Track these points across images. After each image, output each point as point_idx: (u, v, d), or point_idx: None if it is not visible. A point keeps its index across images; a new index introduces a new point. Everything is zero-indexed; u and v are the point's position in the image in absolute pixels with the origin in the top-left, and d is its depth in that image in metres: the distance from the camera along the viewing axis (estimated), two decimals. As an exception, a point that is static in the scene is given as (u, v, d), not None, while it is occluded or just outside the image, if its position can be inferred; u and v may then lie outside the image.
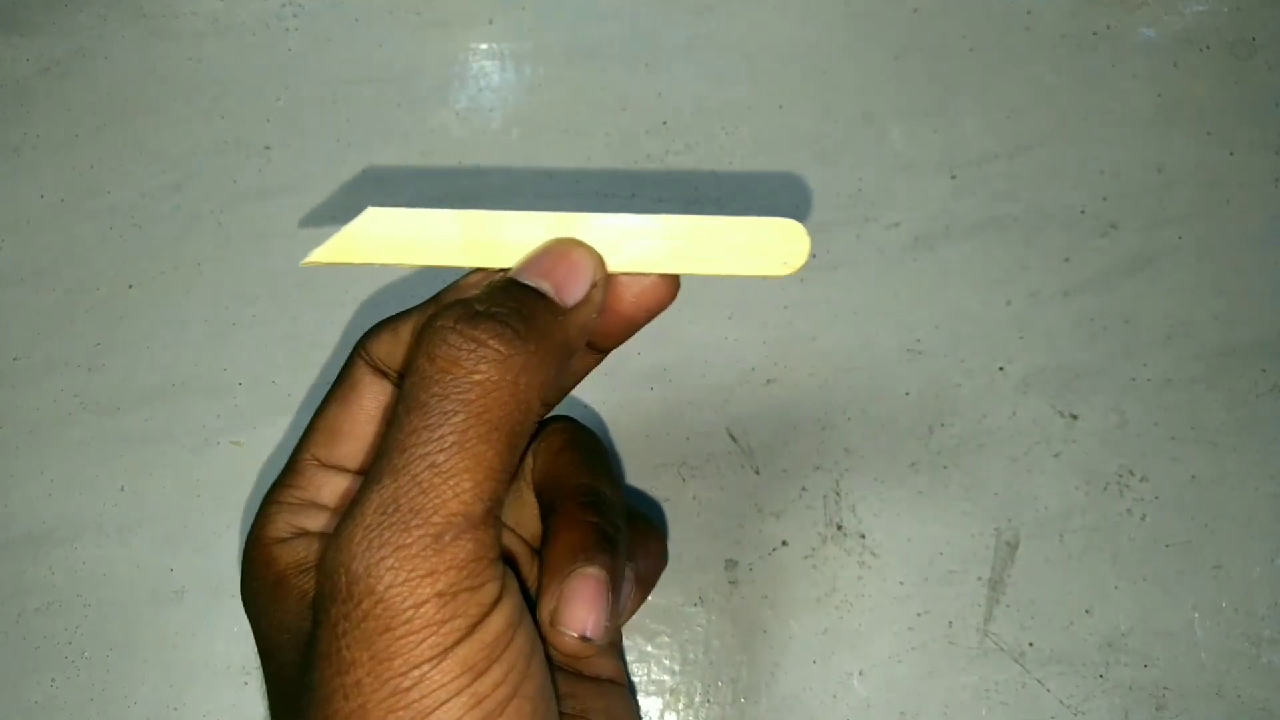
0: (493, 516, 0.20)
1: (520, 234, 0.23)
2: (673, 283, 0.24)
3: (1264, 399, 0.39)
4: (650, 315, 0.24)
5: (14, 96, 0.44)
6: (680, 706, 0.37)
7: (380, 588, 0.18)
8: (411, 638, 0.18)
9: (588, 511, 0.25)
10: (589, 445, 0.28)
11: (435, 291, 0.26)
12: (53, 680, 0.39)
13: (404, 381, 0.20)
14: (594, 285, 0.22)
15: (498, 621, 0.20)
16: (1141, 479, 0.38)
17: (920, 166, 0.41)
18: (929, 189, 0.41)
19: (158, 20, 0.45)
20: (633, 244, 0.23)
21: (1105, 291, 0.40)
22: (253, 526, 0.24)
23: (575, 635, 0.22)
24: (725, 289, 0.40)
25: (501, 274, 0.22)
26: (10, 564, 0.40)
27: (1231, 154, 0.41)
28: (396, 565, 0.18)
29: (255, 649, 0.38)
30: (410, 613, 0.18)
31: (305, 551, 0.22)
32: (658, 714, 0.37)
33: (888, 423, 0.39)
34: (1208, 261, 0.40)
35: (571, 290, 0.22)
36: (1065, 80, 0.42)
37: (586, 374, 0.27)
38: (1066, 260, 0.40)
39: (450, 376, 0.19)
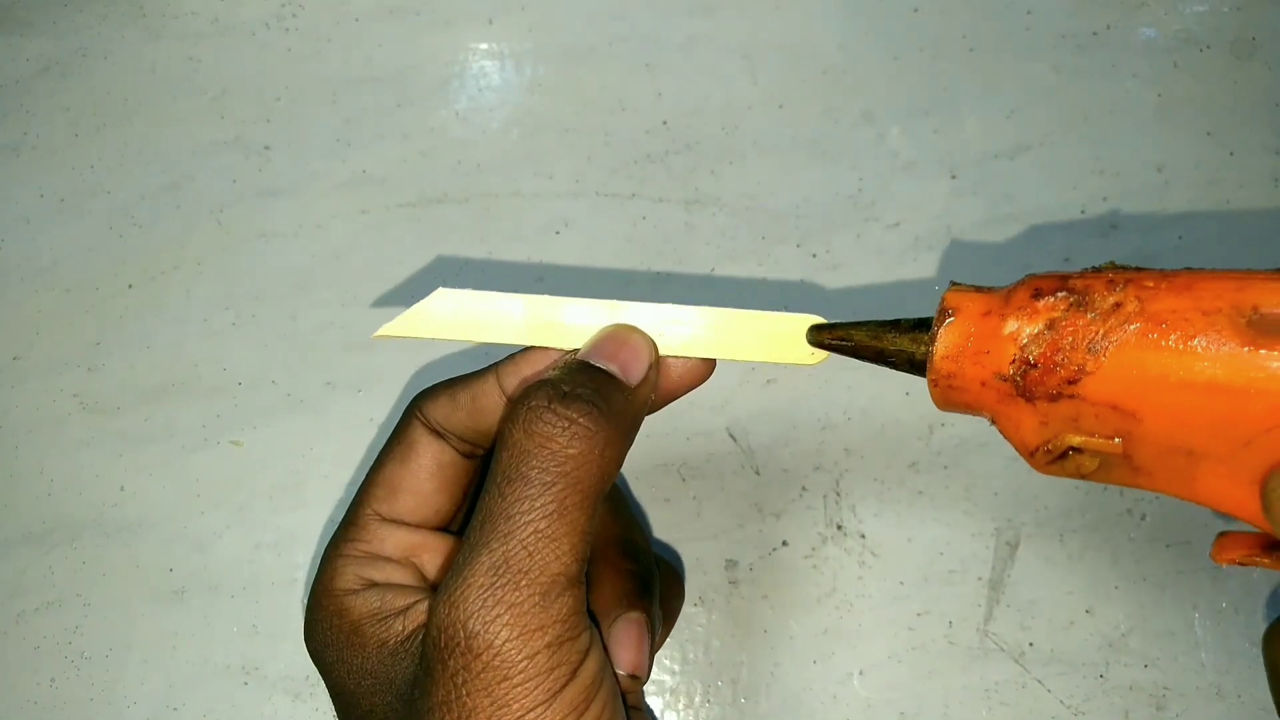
0: (584, 574, 0.23)
1: (580, 318, 0.25)
2: (709, 364, 0.26)
3: (1264, 399, 0.39)
4: (686, 391, 0.27)
5: (14, 96, 0.44)
6: (680, 706, 0.37)
7: (498, 642, 0.21)
8: (527, 685, 0.21)
9: (626, 560, 0.28)
10: (617, 497, 0.32)
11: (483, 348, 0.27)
12: (53, 680, 0.39)
13: (499, 454, 0.23)
14: (650, 367, 0.25)
15: (592, 666, 0.23)
16: (1141, 479, 0.38)
17: (920, 166, 0.41)
18: (929, 189, 0.41)
19: (158, 20, 0.45)
20: (676, 330, 0.26)
21: (1105, 291, 0.40)
22: (319, 578, 0.26)
23: (626, 674, 0.25)
24: (725, 289, 0.40)
25: (570, 355, 0.25)
26: (10, 564, 0.40)
27: (1231, 154, 0.41)
28: (511, 621, 0.21)
29: (256, 649, 0.39)
30: (525, 663, 0.21)
31: (379, 601, 0.25)
32: (658, 714, 0.37)
33: (888, 423, 0.39)
34: (1208, 261, 0.40)
35: (635, 371, 0.25)
36: (1065, 80, 0.42)
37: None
38: (1066, 260, 0.40)
39: (547, 451, 0.22)
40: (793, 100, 0.42)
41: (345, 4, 0.44)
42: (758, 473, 0.39)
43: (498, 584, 0.21)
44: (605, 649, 0.25)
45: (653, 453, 0.39)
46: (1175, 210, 0.41)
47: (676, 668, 0.37)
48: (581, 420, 0.22)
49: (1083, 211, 0.41)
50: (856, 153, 0.42)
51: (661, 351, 0.26)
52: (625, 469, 0.39)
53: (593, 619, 0.25)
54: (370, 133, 0.43)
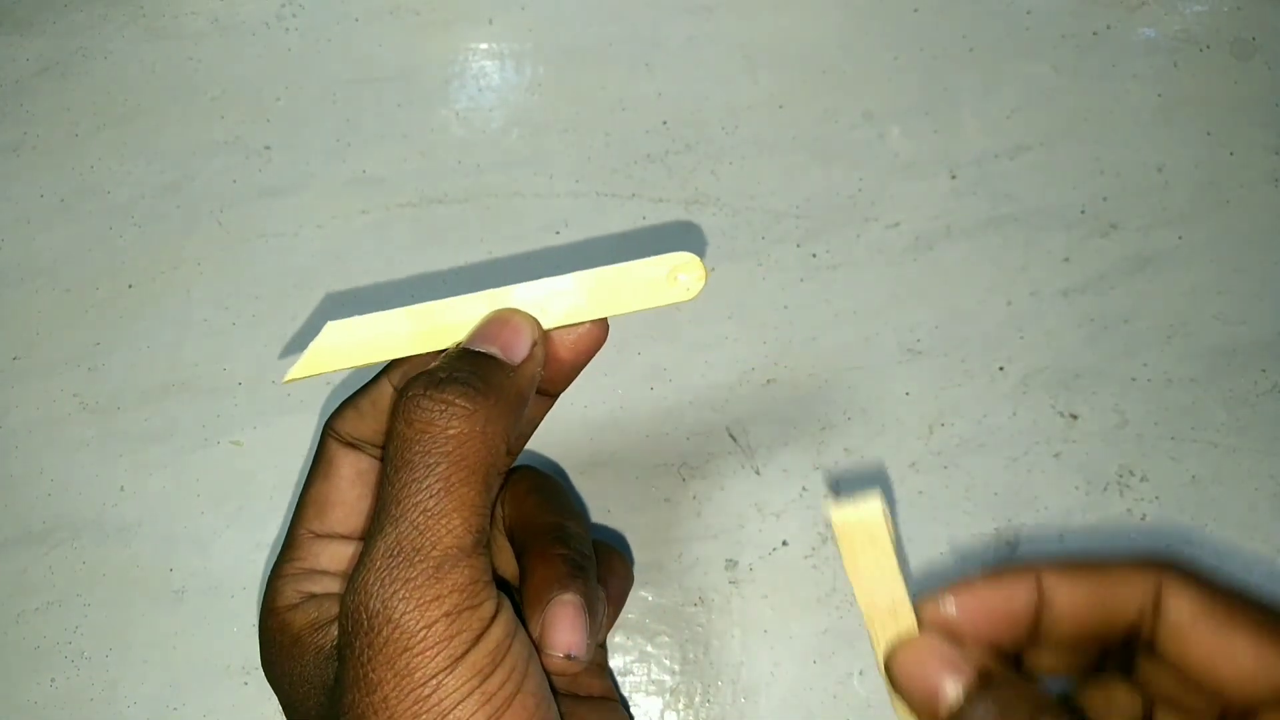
0: (481, 546, 0.24)
1: (462, 314, 0.26)
2: (601, 327, 0.27)
3: (1264, 399, 0.39)
4: (588, 358, 0.27)
5: (14, 96, 0.44)
6: (680, 706, 0.37)
7: (396, 615, 0.22)
8: (427, 653, 0.22)
9: (557, 545, 0.29)
10: (550, 487, 0.32)
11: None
12: (53, 680, 0.39)
13: (387, 447, 0.24)
14: (534, 343, 0.26)
15: (497, 632, 0.23)
16: (1141, 479, 0.38)
17: (920, 166, 0.41)
18: (929, 189, 0.41)
19: (158, 20, 0.45)
20: (558, 302, 0.26)
21: (1105, 291, 0.40)
22: (264, 602, 0.27)
23: (561, 655, 0.25)
24: (725, 289, 0.40)
25: (453, 347, 0.26)
26: (10, 564, 0.40)
27: (1231, 154, 0.41)
28: (407, 595, 0.22)
29: (256, 649, 0.38)
30: (423, 632, 0.22)
31: (316, 612, 0.26)
32: (658, 714, 0.37)
33: (888, 423, 0.39)
34: (1208, 261, 0.40)
35: (516, 349, 0.25)
36: (1065, 80, 0.42)
37: (543, 418, 0.30)
38: (1066, 260, 0.40)
39: (428, 435, 0.23)
40: (793, 100, 0.42)
41: (345, 4, 0.44)
42: (758, 473, 0.39)
43: (392, 564, 0.22)
44: (523, 621, 0.26)
45: (653, 453, 0.39)
46: (1175, 210, 0.41)
47: (676, 668, 0.37)
48: (458, 401, 0.23)
49: (1083, 211, 0.41)
50: (856, 153, 0.42)
51: (547, 325, 0.26)
52: (624, 467, 0.39)
53: (522, 608, 0.26)
54: (370, 133, 0.43)
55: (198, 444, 0.40)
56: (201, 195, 0.43)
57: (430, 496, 0.23)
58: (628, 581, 0.35)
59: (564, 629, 0.26)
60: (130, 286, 0.42)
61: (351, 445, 0.28)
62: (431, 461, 0.23)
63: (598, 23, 0.43)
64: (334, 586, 0.27)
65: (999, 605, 0.24)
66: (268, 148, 0.43)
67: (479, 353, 0.25)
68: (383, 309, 0.26)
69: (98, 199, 0.43)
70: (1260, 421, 0.38)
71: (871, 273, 0.40)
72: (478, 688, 0.22)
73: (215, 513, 0.40)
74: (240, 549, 0.39)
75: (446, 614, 0.22)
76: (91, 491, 0.40)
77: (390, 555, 0.22)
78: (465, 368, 0.24)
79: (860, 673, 0.37)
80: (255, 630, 0.38)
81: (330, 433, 0.28)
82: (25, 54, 0.44)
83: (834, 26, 0.43)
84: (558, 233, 0.41)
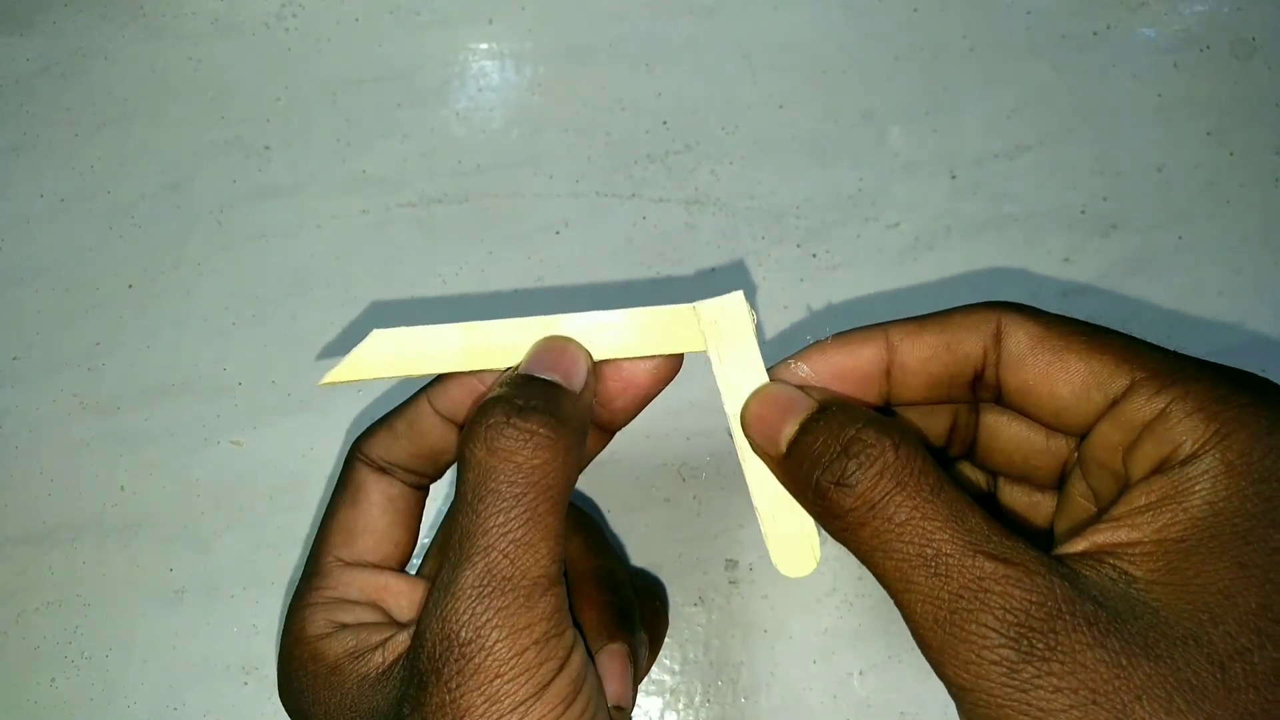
0: (562, 573, 0.24)
1: (513, 337, 0.26)
2: (675, 360, 0.27)
3: (1264, 399, 0.39)
4: (658, 390, 0.27)
5: (14, 96, 0.44)
6: (680, 706, 0.37)
7: (489, 643, 0.22)
8: (518, 679, 0.22)
9: (604, 591, 0.29)
10: (592, 528, 0.32)
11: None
12: (53, 680, 0.39)
13: (466, 474, 0.24)
14: (589, 372, 0.26)
15: (577, 660, 0.24)
16: (1141, 479, 0.38)
17: (920, 166, 0.41)
18: (929, 189, 0.41)
19: (158, 20, 0.45)
20: (605, 336, 0.26)
21: (1105, 291, 0.40)
22: (288, 630, 0.26)
23: (611, 706, 0.25)
24: (724, 289, 0.40)
25: (510, 371, 0.26)
26: (10, 564, 0.40)
27: (1231, 154, 0.41)
28: (500, 623, 0.22)
29: (256, 648, 0.39)
30: (514, 660, 0.22)
31: (354, 641, 0.25)
32: (658, 714, 0.37)
33: (888, 423, 0.39)
34: (1208, 261, 0.40)
35: (576, 378, 0.25)
36: (1065, 80, 0.42)
37: (597, 454, 0.30)
38: (1067, 260, 0.40)
39: (513, 464, 0.23)
40: (793, 100, 0.42)
41: (345, 4, 0.44)
42: (758, 473, 0.39)
43: (483, 593, 0.22)
44: (588, 648, 0.26)
45: (653, 453, 0.39)
46: (1175, 210, 0.41)
47: (676, 668, 0.37)
48: (542, 430, 0.23)
49: (1083, 211, 0.41)
50: (856, 153, 0.42)
51: (596, 357, 0.26)
52: (624, 467, 0.39)
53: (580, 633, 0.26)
54: (370, 133, 0.43)
55: (198, 444, 0.40)
56: (201, 195, 0.43)
57: (520, 526, 0.23)
58: (665, 625, 0.35)
59: (613, 679, 0.26)
60: (130, 286, 0.42)
61: (381, 470, 0.28)
62: (519, 491, 0.23)
63: (598, 23, 0.43)
64: (366, 616, 0.27)
65: (849, 364, 0.25)
66: (268, 148, 0.43)
67: (544, 380, 0.25)
68: (424, 323, 0.26)
69: (98, 199, 0.43)
70: (1260, 421, 0.38)
71: (871, 273, 0.40)
72: (562, 715, 0.23)
73: (215, 513, 0.40)
74: (240, 549, 0.39)
75: (536, 642, 0.22)
76: (91, 491, 0.40)
77: (480, 584, 0.23)
78: (539, 396, 0.24)
79: (860, 673, 0.37)
80: (255, 630, 0.38)
81: (360, 456, 0.28)
82: (25, 54, 0.44)
83: (834, 26, 0.43)
84: (558, 233, 0.41)
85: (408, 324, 0.26)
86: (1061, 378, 0.23)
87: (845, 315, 0.40)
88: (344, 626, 0.26)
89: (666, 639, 0.37)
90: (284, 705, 0.26)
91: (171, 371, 0.41)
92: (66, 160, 0.43)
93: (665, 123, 0.42)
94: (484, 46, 0.44)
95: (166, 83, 0.44)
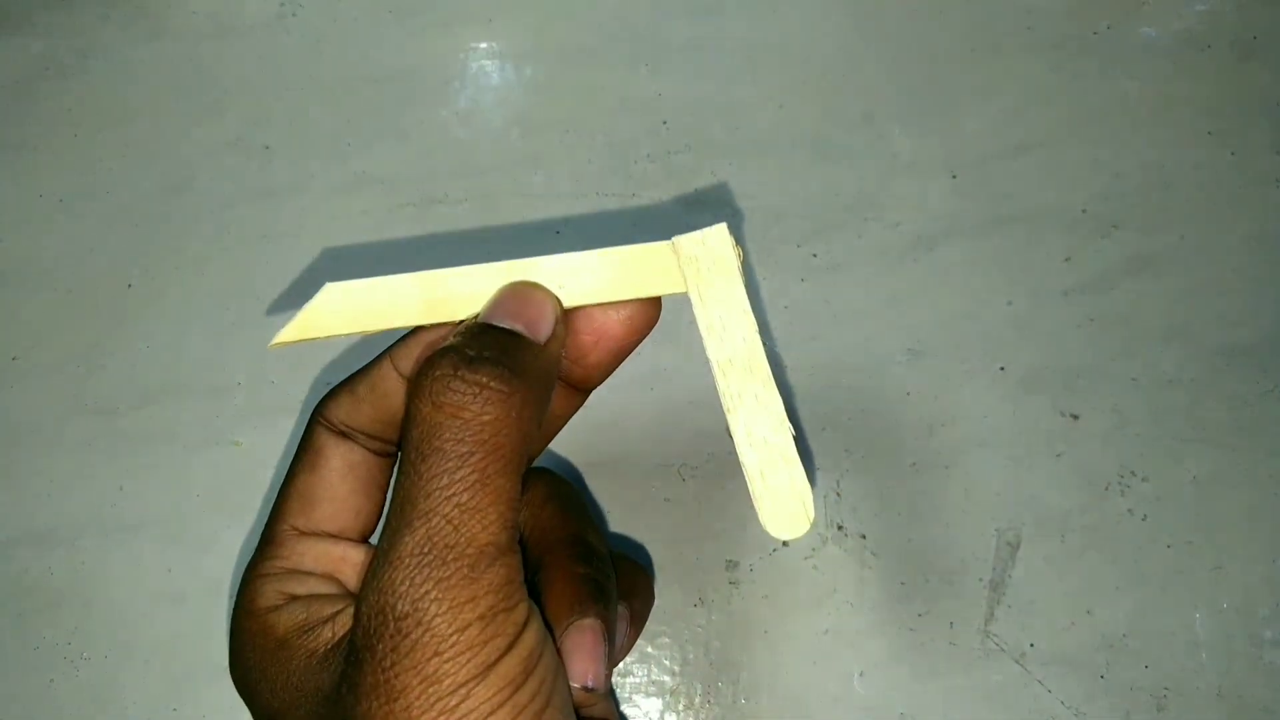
0: (515, 543, 0.22)
1: (476, 285, 0.24)
2: (653, 306, 0.24)
3: (1264, 399, 0.39)
4: (636, 341, 0.25)
5: (14, 96, 0.44)
6: (680, 706, 0.37)
7: (427, 618, 0.20)
8: (459, 658, 0.20)
9: (577, 563, 0.26)
10: (569, 495, 0.30)
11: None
12: (52, 680, 0.38)
13: (409, 432, 0.22)
14: (557, 321, 0.24)
15: (530, 638, 0.21)
16: (1142, 479, 0.38)
17: (920, 166, 0.41)
18: (929, 189, 0.41)
19: (158, 20, 0.45)
20: (579, 280, 0.24)
21: (1105, 291, 0.40)
22: (238, 602, 0.25)
23: (578, 686, 0.23)
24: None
25: (469, 320, 0.24)
26: (10, 564, 0.40)
27: (1231, 154, 0.41)
28: (440, 596, 0.20)
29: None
30: (456, 636, 0.20)
31: (304, 613, 0.24)
32: (658, 714, 0.37)
33: (888, 423, 0.39)
34: (1208, 261, 0.40)
35: (542, 327, 0.23)
36: (1065, 80, 0.42)
37: (570, 417, 0.28)
38: (1066, 260, 0.40)
39: (460, 420, 0.21)
40: (793, 100, 0.42)
41: (345, 4, 0.44)
42: (758, 473, 0.39)
43: (423, 562, 0.20)
44: (549, 625, 0.24)
45: (653, 453, 0.39)
46: (1176, 210, 0.41)
47: (676, 668, 0.37)
48: (493, 384, 0.21)
49: (1083, 211, 0.41)
50: (857, 152, 0.42)
51: (566, 304, 0.24)
52: (624, 467, 0.39)
53: (547, 626, 0.24)
54: (371, 133, 0.43)
55: (198, 444, 0.40)
56: (202, 195, 0.43)
57: (465, 489, 0.21)
58: (650, 598, 0.32)
59: (583, 657, 0.24)
60: (130, 286, 0.42)
61: (343, 435, 0.26)
62: (465, 450, 0.21)
63: (598, 23, 0.43)
64: (320, 588, 0.25)
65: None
66: (268, 148, 0.43)
67: (504, 329, 0.23)
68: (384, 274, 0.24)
69: (98, 199, 0.43)
70: (1260, 422, 0.38)
71: (871, 273, 0.40)
72: (509, 699, 0.20)
73: (215, 513, 0.40)
74: (240, 549, 0.39)
75: (481, 617, 0.20)
76: (91, 491, 0.40)
77: (421, 553, 0.20)
78: (494, 346, 0.22)
79: (860, 673, 0.37)
80: (255, 630, 0.38)
81: (320, 420, 0.26)
82: (26, 54, 0.44)
83: (834, 26, 0.43)
84: (558, 233, 0.41)
85: (366, 275, 0.24)
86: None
87: (845, 315, 0.40)
88: (295, 599, 0.24)
89: (666, 639, 0.37)
90: (233, 680, 0.24)
91: (171, 371, 0.41)
92: (67, 160, 0.43)
93: (665, 123, 0.42)
94: (484, 46, 0.44)
95: (167, 83, 0.44)
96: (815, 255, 0.41)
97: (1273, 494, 0.38)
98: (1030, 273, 0.40)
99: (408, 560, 0.20)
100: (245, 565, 0.39)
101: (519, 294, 0.24)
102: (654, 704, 0.37)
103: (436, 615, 0.20)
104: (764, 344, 0.24)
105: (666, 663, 0.37)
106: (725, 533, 0.38)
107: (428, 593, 0.20)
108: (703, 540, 0.38)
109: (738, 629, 0.38)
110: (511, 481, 0.21)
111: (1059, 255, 0.40)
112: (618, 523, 0.39)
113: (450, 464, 0.21)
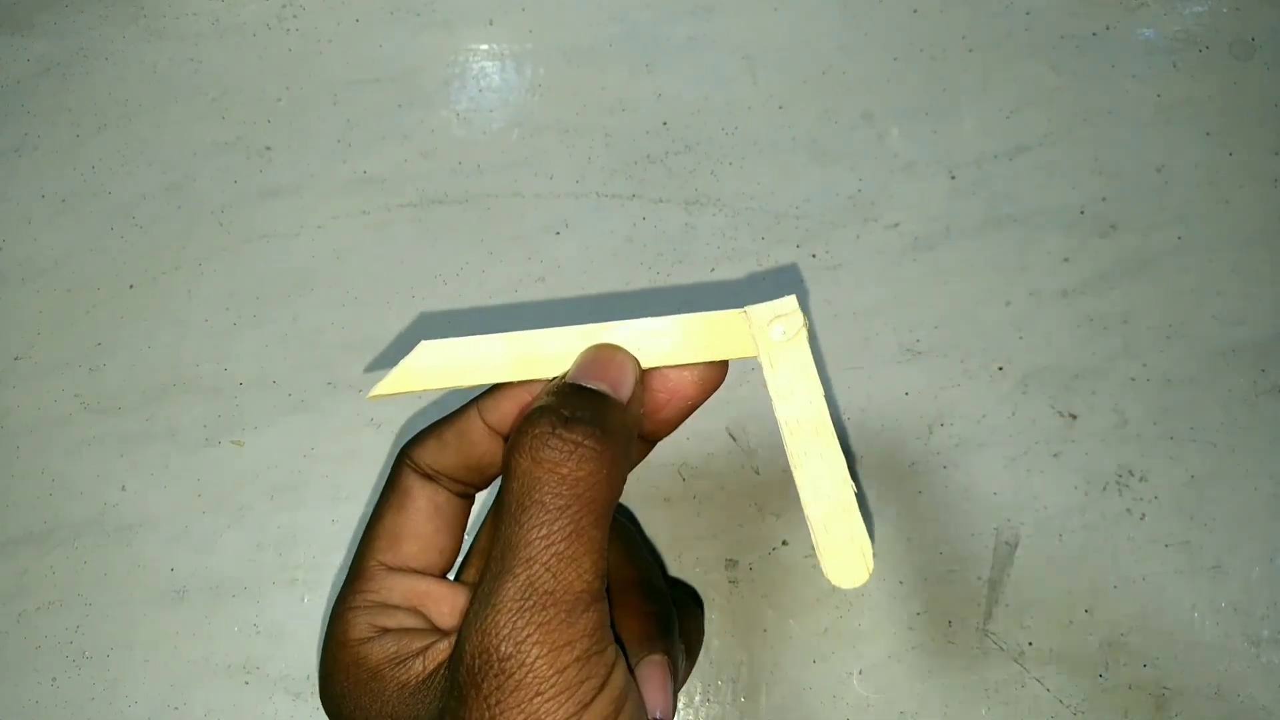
0: (604, 589, 0.24)
1: (558, 347, 0.26)
2: (721, 368, 0.26)
3: (1264, 399, 0.39)
4: (705, 398, 0.27)
5: (15, 97, 0.44)
6: (680, 706, 0.37)
7: (529, 659, 0.22)
8: (559, 698, 0.22)
9: (645, 601, 0.29)
10: (629, 535, 0.32)
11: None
12: (53, 680, 0.39)
13: (510, 484, 0.23)
14: (636, 382, 0.25)
15: (619, 678, 0.23)
16: (1141, 479, 0.38)
17: (920, 166, 0.41)
18: (929, 189, 0.41)
19: (158, 20, 0.45)
20: (654, 343, 0.26)
21: (1105, 291, 0.40)
22: (330, 633, 0.26)
23: (652, 718, 0.25)
24: (729, 291, 0.40)
25: (558, 380, 0.26)
26: (10, 564, 0.40)
27: (1231, 154, 0.41)
28: (541, 639, 0.22)
29: (257, 648, 0.39)
30: (556, 677, 0.22)
31: (395, 646, 0.25)
32: (658, 714, 0.37)
33: (888, 423, 0.39)
34: (1208, 261, 0.40)
35: (624, 387, 0.25)
36: (1065, 80, 0.42)
37: (640, 462, 0.29)
38: (1066, 260, 0.40)
39: (558, 476, 0.23)
40: (793, 100, 0.42)
41: (346, 4, 0.44)
42: (758, 472, 0.39)
43: (525, 607, 0.22)
44: (629, 665, 0.26)
45: (653, 453, 0.39)
46: (1175, 210, 0.41)
47: (676, 667, 0.37)
48: (587, 442, 0.23)
49: (1083, 211, 0.41)
50: (856, 153, 0.42)
51: (644, 365, 0.26)
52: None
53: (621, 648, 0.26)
54: (371, 133, 0.43)
55: (198, 444, 0.40)
56: (202, 195, 0.43)
57: (562, 539, 0.23)
58: (702, 632, 0.34)
59: (654, 690, 0.26)
60: (131, 286, 0.42)
61: (428, 477, 0.27)
62: (563, 504, 0.23)
63: (598, 23, 0.44)
64: (408, 621, 0.26)
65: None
66: (268, 148, 0.43)
67: (592, 390, 0.24)
68: (471, 334, 0.26)
69: (98, 199, 0.43)
70: (1260, 421, 0.38)
71: (871, 273, 0.40)
72: None
73: (216, 513, 0.40)
74: (241, 549, 0.39)
75: (578, 659, 0.22)
76: (91, 491, 0.40)
77: (522, 597, 0.22)
78: (586, 406, 0.24)
79: (860, 673, 0.37)
80: (256, 630, 0.39)
81: (407, 462, 0.28)
82: (26, 54, 0.44)
83: (834, 26, 0.43)
84: (558, 233, 0.41)
85: (455, 334, 0.26)
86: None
87: (845, 315, 0.40)
88: (386, 631, 0.26)
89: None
90: (324, 708, 0.26)
91: (172, 371, 0.41)
92: (68, 160, 0.43)
93: (665, 123, 0.42)
94: (484, 47, 0.44)
95: (168, 83, 0.44)
96: (815, 255, 0.41)
97: (1271, 493, 0.38)
98: (1029, 273, 0.40)
99: (510, 605, 0.22)
100: (245, 565, 0.39)
101: (603, 357, 0.25)
102: (654, 703, 0.37)
103: (538, 657, 0.22)
104: (829, 406, 0.25)
105: (666, 662, 0.37)
106: (725, 533, 0.38)
107: (529, 635, 0.22)
108: (702, 540, 0.38)
109: (737, 628, 0.38)
110: (602, 532, 0.23)
111: (1058, 255, 0.40)
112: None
113: (549, 515, 0.23)
